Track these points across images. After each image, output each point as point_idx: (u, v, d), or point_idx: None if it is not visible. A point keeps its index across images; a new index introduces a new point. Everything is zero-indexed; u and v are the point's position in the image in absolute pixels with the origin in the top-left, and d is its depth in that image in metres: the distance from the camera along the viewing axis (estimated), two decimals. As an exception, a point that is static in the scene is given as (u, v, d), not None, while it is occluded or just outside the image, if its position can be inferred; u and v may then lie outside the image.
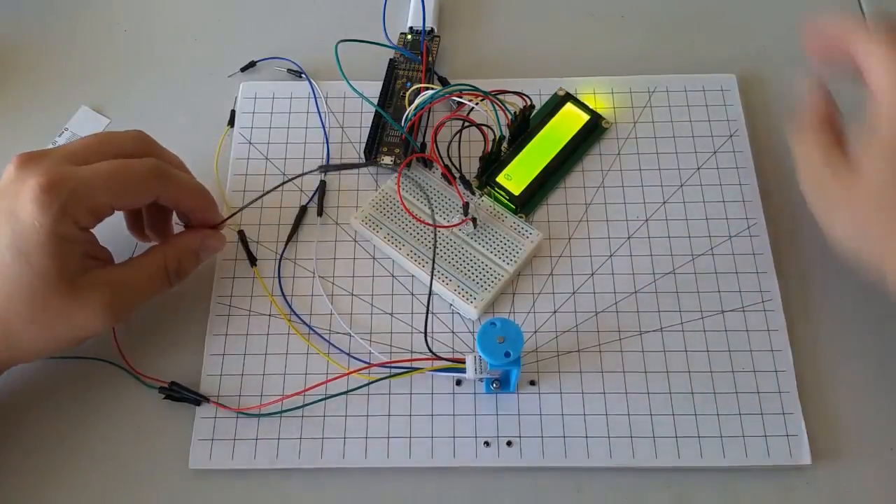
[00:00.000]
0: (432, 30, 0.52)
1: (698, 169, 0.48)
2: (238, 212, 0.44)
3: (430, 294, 0.41)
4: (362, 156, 0.48)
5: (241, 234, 0.46)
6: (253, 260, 0.45)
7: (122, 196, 0.37)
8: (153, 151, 0.40)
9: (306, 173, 0.45)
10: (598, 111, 0.49)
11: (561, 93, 0.49)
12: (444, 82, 0.51)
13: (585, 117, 0.48)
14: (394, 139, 0.48)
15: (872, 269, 0.36)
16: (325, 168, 0.45)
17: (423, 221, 0.45)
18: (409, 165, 0.47)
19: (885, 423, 0.41)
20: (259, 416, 0.41)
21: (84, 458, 0.40)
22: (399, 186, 0.45)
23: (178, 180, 0.39)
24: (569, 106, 0.49)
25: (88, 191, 0.35)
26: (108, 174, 0.36)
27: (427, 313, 0.41)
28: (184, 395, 0.41)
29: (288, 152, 0.49)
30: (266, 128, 0.50)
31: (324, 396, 0.41)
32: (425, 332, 0.41)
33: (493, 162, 0.46)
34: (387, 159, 0.47)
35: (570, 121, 0.48)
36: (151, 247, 0.41)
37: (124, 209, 0.41)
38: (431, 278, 0.41)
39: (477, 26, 0.55)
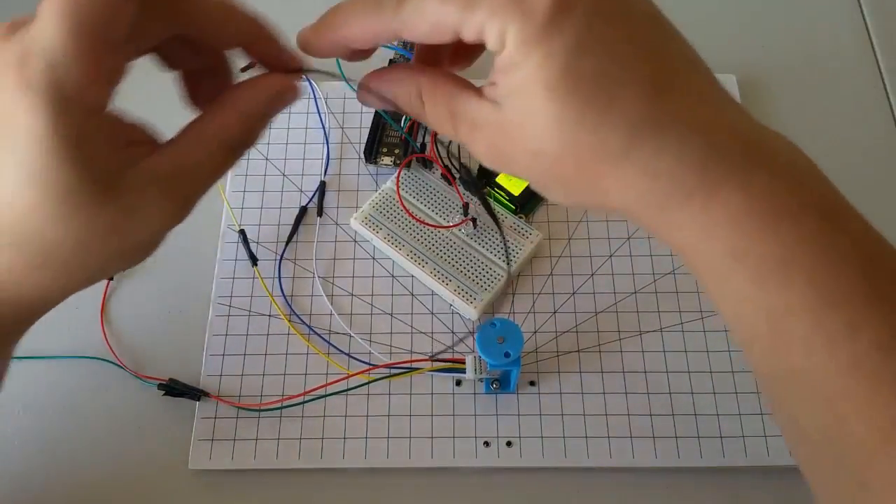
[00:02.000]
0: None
1: (698, 169, 0.48)
2: (320, 75, 0.32)
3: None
4: (362, 156, 0.48)
5: (241, 233, 0.46)
6: (254, 260, 0.45)
7: (98, 30, 0.25)
8: None
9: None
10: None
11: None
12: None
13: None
14: (393, 140, 0.48)
15: (596, 210, 0.30)
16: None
17: (422, 222, 0.45)
18: (408, 166, 0.47)
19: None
20: (259, 412, 0.41)
21: (84, 459, 0.40)
22: (398, 187, 0.45)
23: None
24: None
25: (58, 50, 0.25)
26: (60, 12, 0.25)
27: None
28: (183, 390, 0.41)
29: (288, 152, 0.49)
30: (266, 128, 0.50)
31: (324, 395, 0.41)
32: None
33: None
34: (387, 160, 0.47)
35: (569, 121, 0.48)
36: (201, 114, 0.30)
37: (119, 53, 0.27)
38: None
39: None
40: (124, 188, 0.27)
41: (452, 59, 0.32)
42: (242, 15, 0.30)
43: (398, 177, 0.46)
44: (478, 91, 0.27)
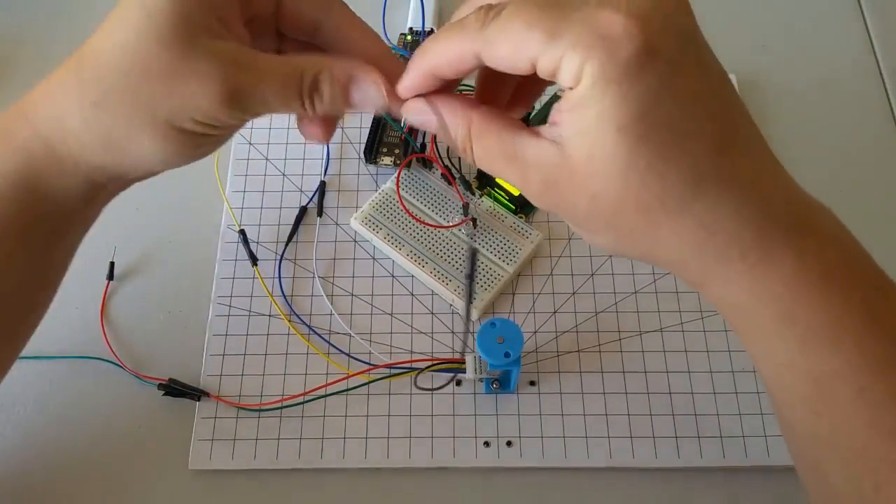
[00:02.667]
0: (432, 30, 0.52)
1: (698, 169, 0.48)
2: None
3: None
4: (362, 156, 0.48)
5: (241, 233, 0.46)
6: (254, 259, 0.45)
7: None
8: None
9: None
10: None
11: (560, 93, 0.49)
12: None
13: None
14: (393, 139, 0.48)
15: (643, 259, 0.29)
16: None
17: (422, 222, 0.45)
18: (408, 166, 0.47)
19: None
20: (259, 411, 0.41)
21: (84, 459, 0.40)
22: (399, 187, 0.45)
23: None
24: (569, 106, 0.49)
25: None
26: None
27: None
28: (183, 390, 0.41)
29: (288, 153, 0.49)
30: (266, 128, 0.50)
31: (324, 395, 0.41)
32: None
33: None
34: (386, 160, 0.47)
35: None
36: (302, 53, 0.32)
37: None
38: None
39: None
40: (196, 46, 0.28)
41: (512, 100, 0.31)
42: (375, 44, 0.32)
43: (398, 177, 0.46)
44: (533, 131, 0.27)
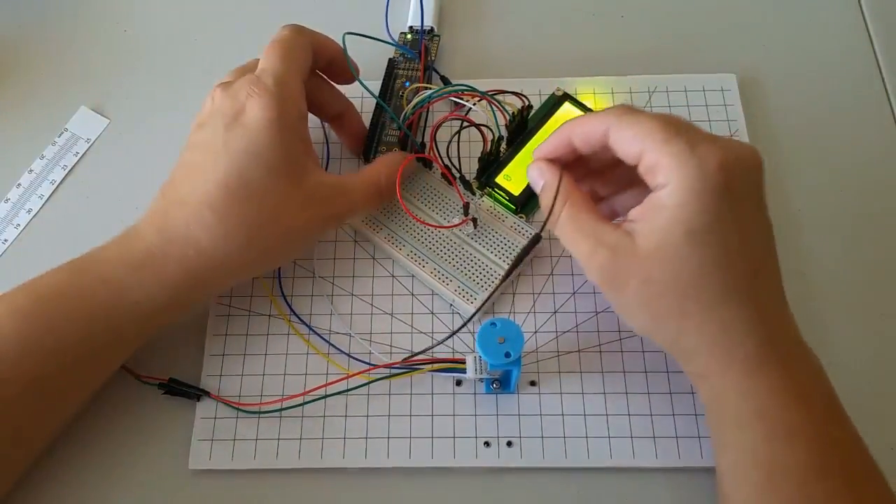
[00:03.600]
0: (432, 29, 0.52)
1: (698, 169, 0.48)
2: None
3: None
4: (360, 154, 0.48)
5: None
6: (253, 260, 0.45)
7: (303, 58, 0.41)
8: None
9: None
10: (598, 111, 0.49)
11: (558, 93, 0.49)
12: (445, 80, 0.51)
13: (585, 117, 0.48)
14: (392, 139, 0.48)
15: (664, 342, 0.36)
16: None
17: (422, 222, 0.44)
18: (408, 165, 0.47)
19: (884, 422, 0.41)
20: (259, 413, 0.41)
21: (84, 458, 0.40)
22: (399, 187, 0.45)
23: (316, 34, 0.43)
24: (566, 105, 0.49)
25: (285, 72, 0.39)
26: (280, 52, 0.40)
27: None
28: (183, 389, 0.41)
29: (288, 152, 0.49)
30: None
31: (324, 395, 0.41)
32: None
33: (493, 162, 0.46)
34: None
35: (569, 121, 0.48)
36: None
37: (309, 71, 0.42)
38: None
39: (477, 26, 0.55)
40: (305, 183, 0.39)
41: (595, 174, 0.40)
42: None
43: (399, 176, 0.45)
44: (614, 224, 0.35)
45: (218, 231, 0.37)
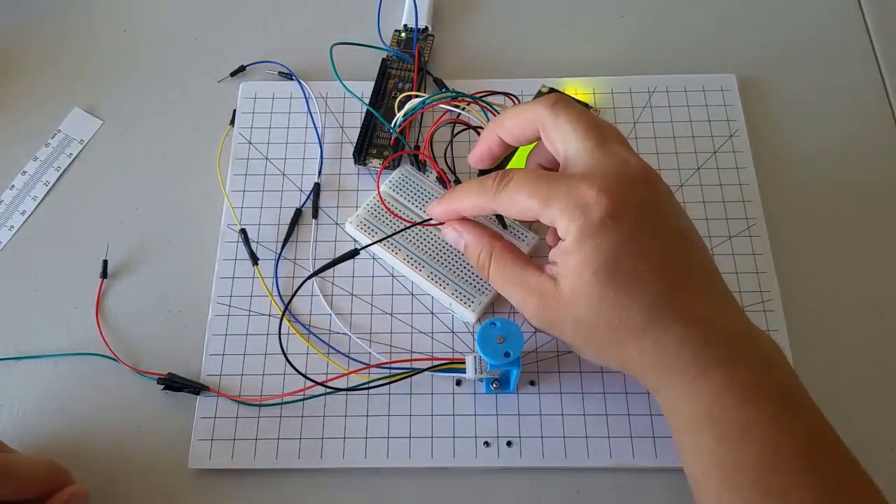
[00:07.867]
0: (426, 28, 0.52)
1: (698, 169, 0.48)
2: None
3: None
4: (353, 156, 0.48)
5: (242, 233, 0.46)
6: (255, 259, 0.45)
7: None
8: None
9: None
10: (597, 110, 0.49)
11: (544, 89, 0.49)
12: (439, 83, 0.50)
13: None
14: (384, 141, 0.48)
15: (616, 368, 0.37)
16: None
17: (412, 223, 0.44)
18: (395, 164, 0.46)
19: (884, 422, 0.41)
20: (259, 406, 0.41)
21: (83, 458, 0.40)
22: (379, 188, 0.45)
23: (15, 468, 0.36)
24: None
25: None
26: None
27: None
28: (182, 384, 0.41)
29: (287, 152, 0.49)
30: (266, 128, 0.50)
31: (323, 394, 0.41)
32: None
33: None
34: (376, 162, 0.47)
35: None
36: None
37: None
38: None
39: (474, 26, 0.55)
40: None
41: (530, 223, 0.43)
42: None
43: (379, 179, 0.45)
44: (539, 267, 0.37)
45: None
